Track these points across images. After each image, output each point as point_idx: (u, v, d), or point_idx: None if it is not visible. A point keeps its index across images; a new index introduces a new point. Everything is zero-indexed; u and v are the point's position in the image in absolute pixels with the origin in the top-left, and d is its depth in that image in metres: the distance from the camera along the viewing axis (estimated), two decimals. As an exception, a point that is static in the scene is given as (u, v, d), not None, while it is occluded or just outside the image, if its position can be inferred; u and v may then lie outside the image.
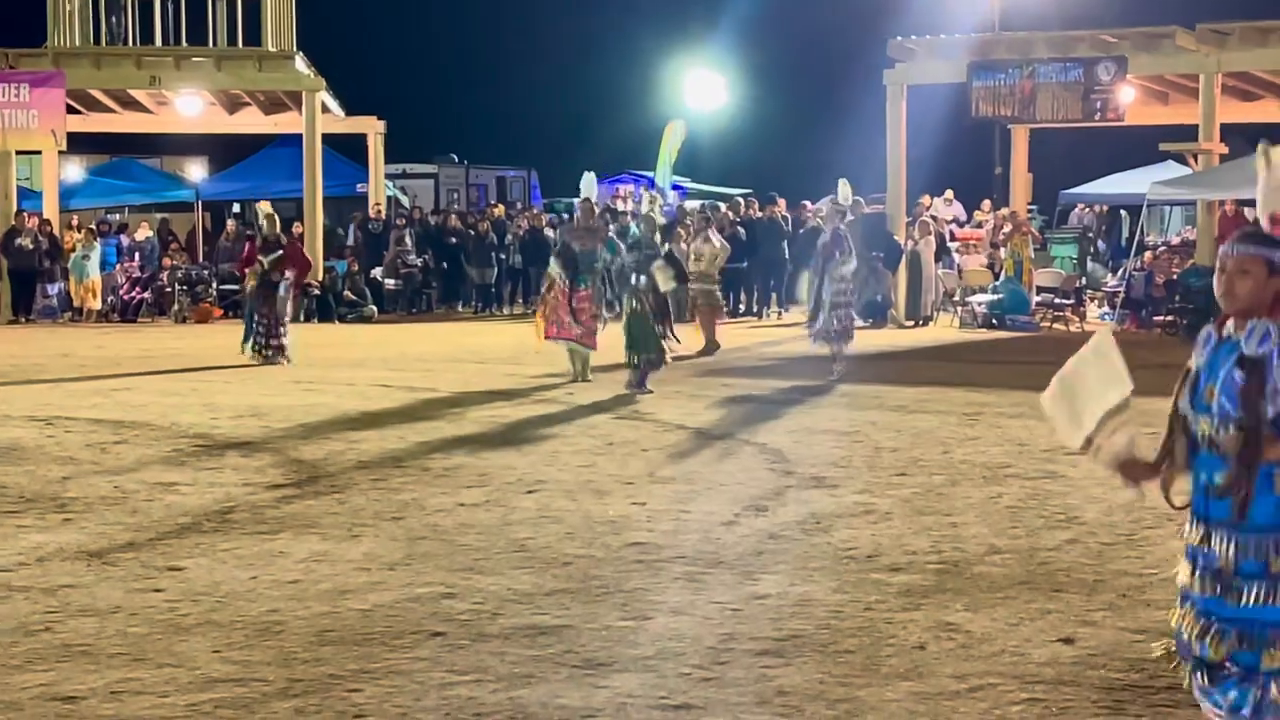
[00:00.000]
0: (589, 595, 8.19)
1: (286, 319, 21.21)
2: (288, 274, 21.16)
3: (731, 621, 7.64)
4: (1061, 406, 5.44)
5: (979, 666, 6.87)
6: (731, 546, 9.36)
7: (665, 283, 16.86)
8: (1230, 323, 5.16)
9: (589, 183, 19.78)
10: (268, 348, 20.75)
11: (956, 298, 29.75)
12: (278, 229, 21.58)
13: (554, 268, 18.18)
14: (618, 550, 9.29)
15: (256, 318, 20.94)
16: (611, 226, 31.80)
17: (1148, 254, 30.26)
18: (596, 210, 19.01)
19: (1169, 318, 26.36)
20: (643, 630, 7.50)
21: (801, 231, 31.49)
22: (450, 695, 6.50)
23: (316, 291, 30.34)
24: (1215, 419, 5.11)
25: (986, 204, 34.58)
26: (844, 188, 19.74)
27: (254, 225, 22.04)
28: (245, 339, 21.04)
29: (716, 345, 21.79)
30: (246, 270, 21.59)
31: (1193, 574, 5.19)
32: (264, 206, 22.34)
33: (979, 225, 34.18)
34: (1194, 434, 5.24)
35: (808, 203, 33.28)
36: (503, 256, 32.86)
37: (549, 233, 30.43)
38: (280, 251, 21.08)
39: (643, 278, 16.95)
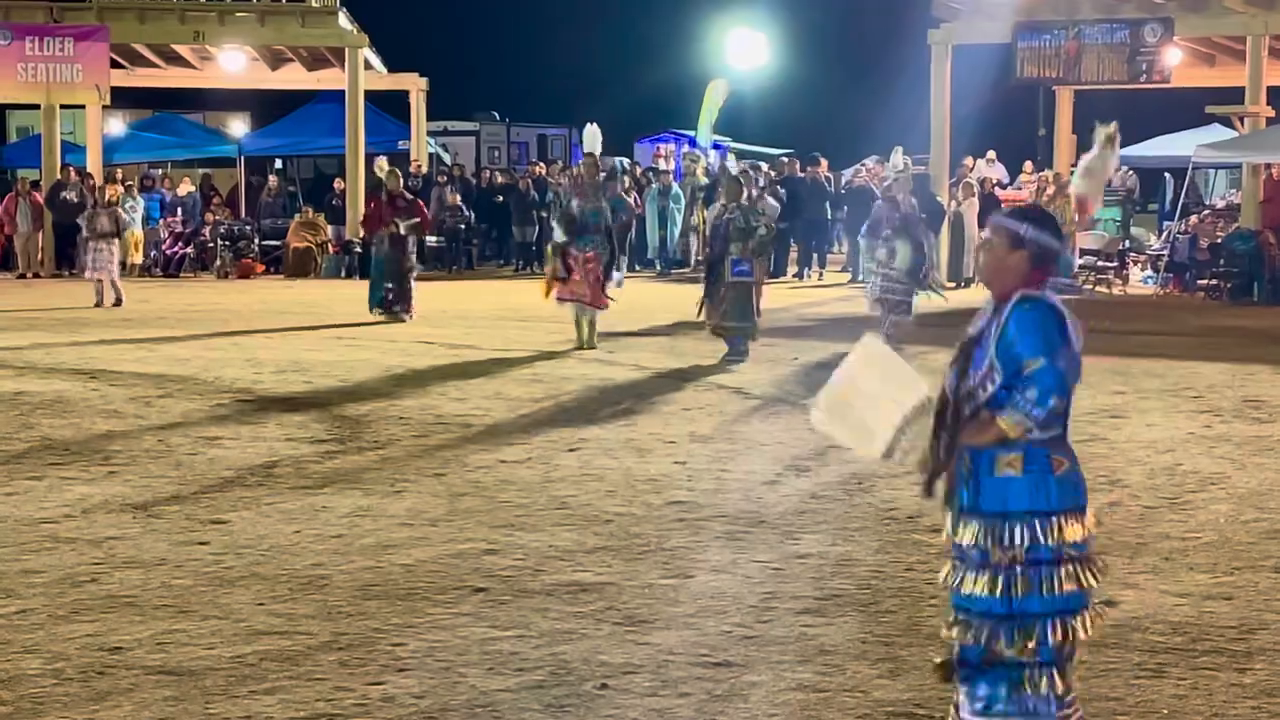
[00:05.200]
0: (630, 553, 8.21)
1: (413, 275, 21.07)
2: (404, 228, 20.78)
3: (773, 580, 7.66)
4: (839, 421, 5.25)
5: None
6: (773, 506, 9.37)
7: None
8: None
9: (592, 136, 18.63)
10: (396, 304, 20.62)
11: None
12: (401, 184, 21.40)
13: (556, 232, 17.82)
14: (659, 508, 9.31)
15: (386, 276, 20.78)
16: (654, 185, 32.05)
17: (1192, 217, 30.06)
18: (602, 166, 18.20)
19: (1213, 281, 26.22)
20: (684, 588, 7.52)
21: (845, 191, 31.40)
22: (492, 650, 6.53)
23: (359, 249, 30.38)
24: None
25: (1029, 166, 34.36)
26: (898, 155, 19.20)
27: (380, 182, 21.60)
28: (373, 298, 20.87)
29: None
30: (378, 230, 21.36)
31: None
32: (382, 162, 22.16)
33: (1021, 187, 34.00)
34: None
35: (867, 162, 33.05)
36: (543, 214, 32.83)
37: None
38: (418, 219, 20.92)
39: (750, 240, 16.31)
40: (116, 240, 23.34)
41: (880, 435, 5.09)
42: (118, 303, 22.87)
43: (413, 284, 20.89)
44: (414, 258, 21.02)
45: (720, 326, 16.41)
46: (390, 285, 20.61)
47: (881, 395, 5.10)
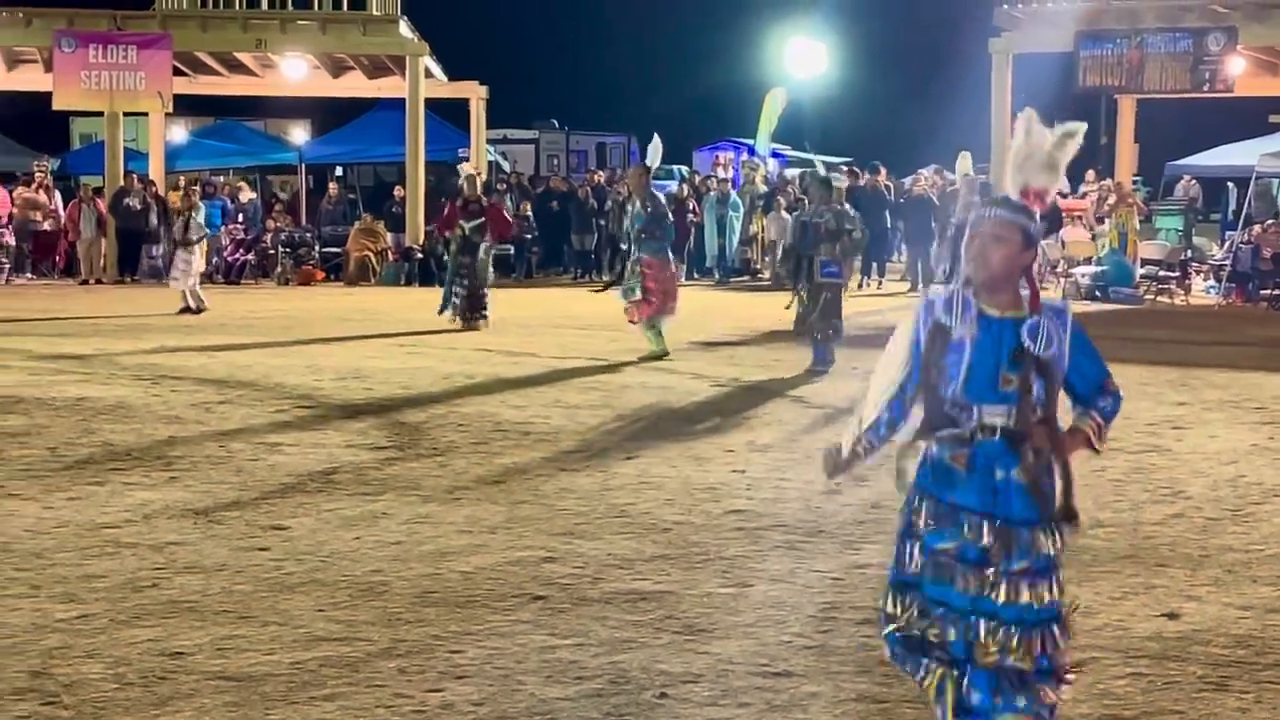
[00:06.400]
0: (689, 561, 8.20)
1: (489, 282, 21.07)
2: (488, 236, 20.91)
3: (833, 590, 7.63)
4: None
5: (1082, 640, 6.81)
6: (832, 515, 9.34)
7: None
8: (984, 296, 4.93)
9: (655, 149, 18.16)
10: (470, 311, 20.65)
11: (1060, 269, 29.47)
12: (479, 191, 21.47)
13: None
14: (717, 517, 9.30)
15: (457, 281, 20.81)
16: (713, 193, 32.00)
17: (1255, 227, 29.83)
18: (647, 177, 18.06)
19: (1276, 291, 26.01)
20: (743, 597, 7.51)
21: (904, 200, 31.30)
22: (551, 659, 6.53)
23: (419, 255, 30.51)
24: (1012, 408, 4.88)
25: (1091, 174, 34.19)
26: (964, 161, 19.01)
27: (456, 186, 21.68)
28: (444, 303, 20.88)
29: None
30: (446, 233, 21.45)
31: (955, 570, 4.93)
32: (466, 168, 22.24)
33: (1083, 196, 33.83)
34: (961, 418, 4.93)
35: (924, 171, 32.96)
36: (602, 223, 32.87)
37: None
38: (482, 218, 20.92)
39: (835, 246, 16.24)
40: (195, 248, 23.32)
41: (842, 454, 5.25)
42: (191, 310, 22.84)
43: (488, 291, 20.90)
44: (487, 265, 20.98)
45: (808, 327, 16.39)
46: (463, 292, 20.64)
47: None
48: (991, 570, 4.85)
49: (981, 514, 4.88)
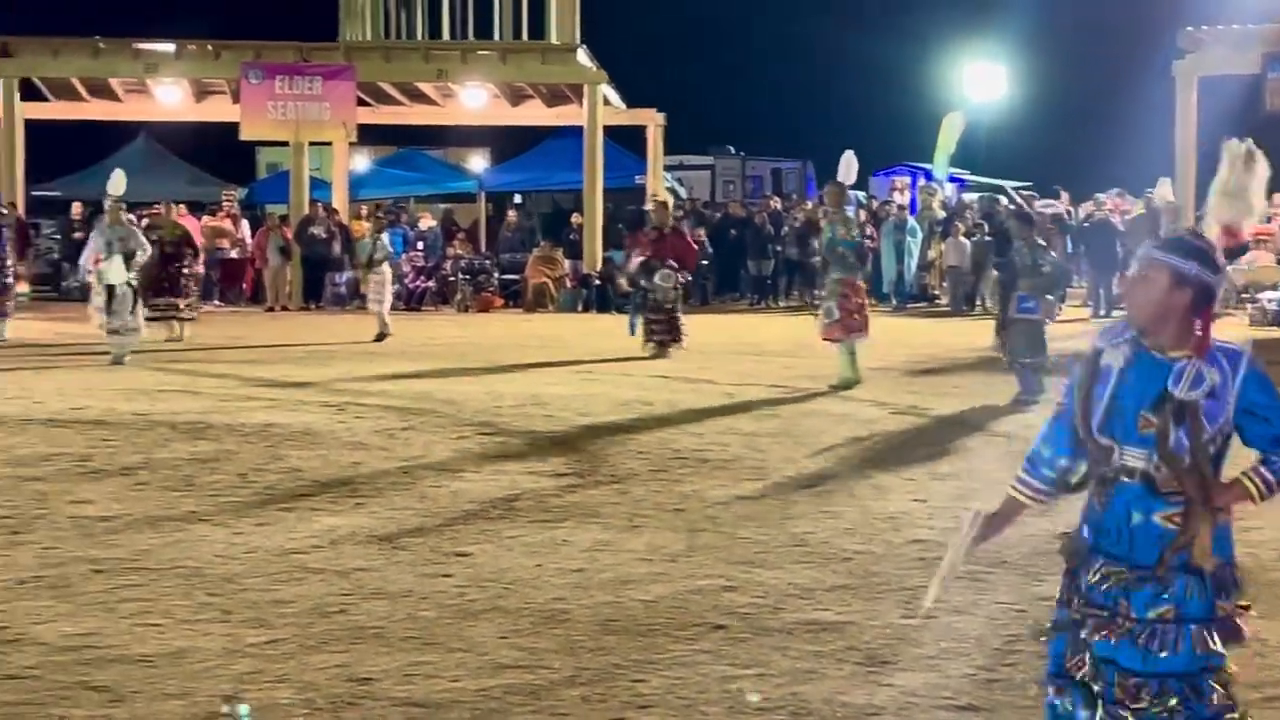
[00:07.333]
0: (870, 591, 8.16)
1: (678, 307, 21.04)
2: (671, 262, 20.90)
3: (1016, 623, 7.54)
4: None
5: (1275, 675, 6.68)
6: (1014, 546, 9.20)
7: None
8: (1147, 338, 4.71)
9: (847, 164, 18.00)
10: (665, 336, 20.72)
11: (1246, 294, 28.87)
12: (668, 218, 21.59)
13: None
14: (898, 547, 9.24)
15: (646, 308, 20.88)
16: (890, 218, 31.83)
17: None
18: (842, 196, 18.00)
19: None
20: (926, 629, 7.44)
21: (1086, 225, 30.88)
22: (733, 689, 6.53)
23: (598, 282, 30.71)
24: (1151, 452, 4.65)
25: (1278, 198, 33.45)
26: (1164, 188, 18.42)
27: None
28: (632, 328, 21.01)
29: None
30: (633, 260, 21.53)
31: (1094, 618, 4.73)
32: (658, 194, 22.36)
33: (1269, 220, 33.10)
34: (1110, 461, 4.72)
35: (1101, 196, 32.49)
36: (779, 249, 32.84)
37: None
38: (643, 256, 20.98)
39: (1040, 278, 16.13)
40: (381, 272, 23.64)
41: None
42: (381, 336, 23.18)
43: (679, 315, 20.94)
44: (669, 293, 20.91)
45: (1009, 361, 16.28)
46: (654, 317, 20.73)
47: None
48: (1122, 618, 4.71)
49: (1116, 559, 4.75)
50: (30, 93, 33.78)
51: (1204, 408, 4.61)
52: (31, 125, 33.52)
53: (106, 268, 19.56)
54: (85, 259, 21.00)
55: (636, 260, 21.39)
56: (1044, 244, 16.60)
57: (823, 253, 17.73)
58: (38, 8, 37.07)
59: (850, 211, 19.05)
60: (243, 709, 6.14)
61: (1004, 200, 32.44)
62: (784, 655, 6.99)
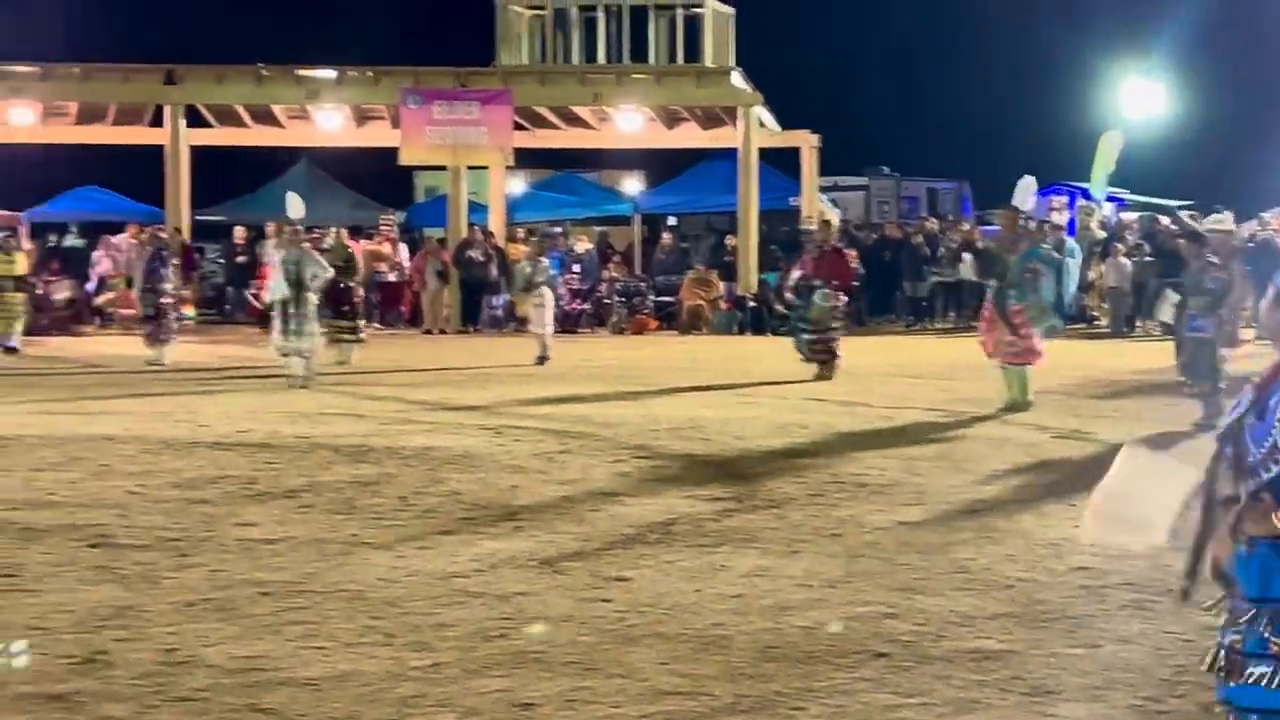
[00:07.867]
0: (1033, 620, 8.07)
1: (834, 327, 20.96)
2: (834, 282, 20.93)
3: (1184, 653, 7.40)
4: (1116, 529, 5.12)
5: None
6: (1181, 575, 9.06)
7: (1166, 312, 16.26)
8: None
9: (1024, 188, 18.14)
10: (819, 356, 20.69)
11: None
12: (830, 236, 21.52)
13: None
14: (1062, 575, 9.13)
15: (804, 329, 20.87)
16: (1050, 241, 31.46)
17: None
18: (1020, 220, 17.91)
19: None
20: (1090, 658, 7.35)
21: (1251, 244, 30.29)
22: (895, 719, 6.48)
23: (752, 304, 30.67)
24: None
25: None
26: None
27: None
28: (797, 348, 21.06)
29: None
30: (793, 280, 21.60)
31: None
32: (824, 214, 22.32)
33: None
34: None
35: (1266, 215, 31.86)
36: (934, 271, 32.58)
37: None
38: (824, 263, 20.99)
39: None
40: (541, 294, 23.74)
41: (1159, 524, 4.90)
42: (541, 359, 23.22)
43: (835, 337, 20.85)
44: (825, 311, 20.76)
45: (1182, 383, 16.05)
46: (812, 338, 20.67)
47: (1153, 493, 4.92)
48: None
49: (1248, 598, 4.63)
50: (195, 119, 34.45)
51: None
52: (196, 151, 34.19)
53: (276, 287, 19.79)
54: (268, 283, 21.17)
55: (795, 275, 21.37)
56: (1217, 262, 16.28)
57: (1013, 278, 17.43)
58: (203, 36, 37.83)
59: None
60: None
61: (1164, 220, 31.92)
62: (947, 684, 6.93)
